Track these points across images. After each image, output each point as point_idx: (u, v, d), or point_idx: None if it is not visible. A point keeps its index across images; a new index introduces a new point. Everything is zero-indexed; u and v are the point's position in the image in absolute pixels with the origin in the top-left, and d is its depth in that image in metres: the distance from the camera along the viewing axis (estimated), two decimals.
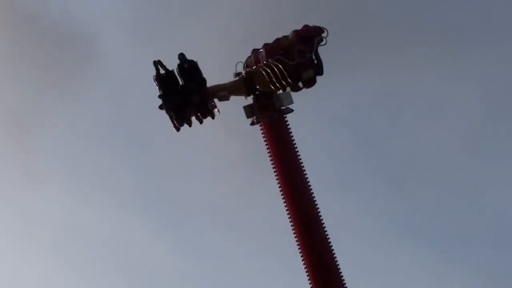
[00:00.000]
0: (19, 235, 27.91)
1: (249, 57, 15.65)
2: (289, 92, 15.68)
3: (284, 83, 15.28)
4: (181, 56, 15.88)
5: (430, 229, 27.89)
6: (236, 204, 26.19)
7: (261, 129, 16.03)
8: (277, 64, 15.12)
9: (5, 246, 28.10)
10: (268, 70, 15.23)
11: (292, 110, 15.83)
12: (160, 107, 15.94)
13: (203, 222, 27.57)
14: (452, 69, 27.32)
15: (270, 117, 15.75)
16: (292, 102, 15.81)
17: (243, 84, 15.75)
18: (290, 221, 15.78)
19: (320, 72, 15.36)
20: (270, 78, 15.30)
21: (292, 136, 15.87)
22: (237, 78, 15.91)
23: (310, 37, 15.30)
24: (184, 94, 15.87)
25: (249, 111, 15.96)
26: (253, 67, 15.46)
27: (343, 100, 26.64)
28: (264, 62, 15.27)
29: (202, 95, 15.77)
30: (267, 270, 26.98)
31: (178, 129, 16.02)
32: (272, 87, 15.41)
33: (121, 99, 25.74)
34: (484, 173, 27.69)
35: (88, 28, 26.54)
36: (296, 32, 15.33)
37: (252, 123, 15.98)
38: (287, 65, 15.13)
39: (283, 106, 15.74)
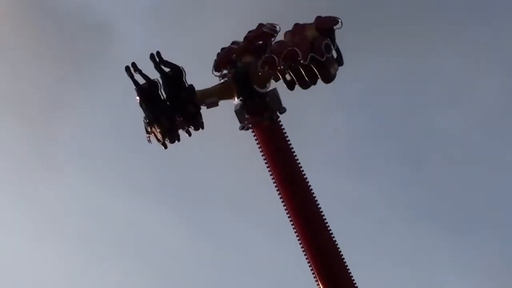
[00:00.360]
0: (39, 221, 28.08)
1: (268, 56, 14.23)
2: (276, 89, 14.56)
3: (309, 82, 14.32)
4: (157, 57, 14.18)
5: (449, 210, 27.84)
6: (252, 192, 26.18)
7: (253, 134, 14.72)
8: (310, 64, 14.11)
9: (27, 232, 28.37)
10: (292, 71, 14.21)
11: (285, 110, 14.62)
12: (149, 123, 14.15)
13: (220, 209, 27.67)
14: (472, 50, 27.17)
15: (270, 119, 14.50)
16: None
17: (235, 85, 14.44)
18: (293, 227, 14.75)
19: (341, 63, 14.50)
20: (287, 78, 14.31)
21: (287, 137, 14.68)
22: (222, 80, 14.64)
23: (329, 29, 14.40)
24: (175, 105, 14.13)
25: (242, 115, 14.54)
26: (280, 67, 14.16)
27: (362, 81, 26.52)
28: (302, 63, 14.05)
29: (196, 104, 14.22)
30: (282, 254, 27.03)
31: (166, 147, 14.33)
32: (288, 87, 14.38)
33: None
34: (503, 153, 27.64)
35: (105, 16, 26.67)
36: (315, 26, 14.39)
37: (246, 128, 14.64)
38: (318, 63, 14.17)
39: (280, 107, 14.49)
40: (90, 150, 27.35)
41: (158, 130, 14.17)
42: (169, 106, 14.09)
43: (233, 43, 14.83)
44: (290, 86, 14.43)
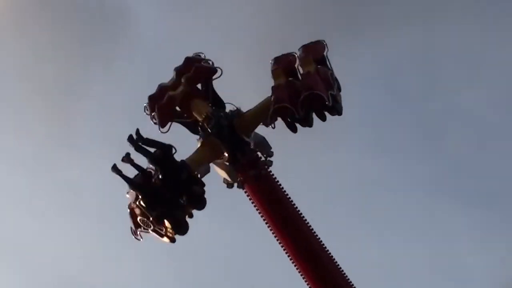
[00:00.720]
0: (60, 201, 28.22)
1: (280, 106, 12.68)
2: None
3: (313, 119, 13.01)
4: (137, 138, 12.28)
5: (469, 187, 27.82)
6: None
7: (245, 191, 13.22)
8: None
9: (48, 213, 28.46)
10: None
11: (273, 153, 13.07)
12: (157, 221, 12.12)
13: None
14: (491, 27, 26.99)
15: (265, 167, 12.97)
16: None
17: (220, 141, 12.73)
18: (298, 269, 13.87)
19: (340, 89, 13.11)
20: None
21: (281, 186, 13.20)
22: (202, 139, 12.97)
23: (322, 56, 13.09)
24: (180, 191, 12.19)
25: (233, 172, 12.94)
26: (299, 114, 12.71)
27: (381, 57, 26.43)
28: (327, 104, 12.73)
29: (202, 183, 12.44)
30: None
31: (175, 241, 12.44)
32: (291, 130, 12.91)
33: (154, 68, 25.71)
34: None
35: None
36: (312, 58, 12.97)
37: (238, 186, 13.10)
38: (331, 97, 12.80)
39: (269, 151, 13.08)
40: (110, 133, 27.41)
41: (170, 226, 12.31)
42: (175, 194, 12.18)
43: (161, 87, 13.24)
44: (293, 129, 13.05)
